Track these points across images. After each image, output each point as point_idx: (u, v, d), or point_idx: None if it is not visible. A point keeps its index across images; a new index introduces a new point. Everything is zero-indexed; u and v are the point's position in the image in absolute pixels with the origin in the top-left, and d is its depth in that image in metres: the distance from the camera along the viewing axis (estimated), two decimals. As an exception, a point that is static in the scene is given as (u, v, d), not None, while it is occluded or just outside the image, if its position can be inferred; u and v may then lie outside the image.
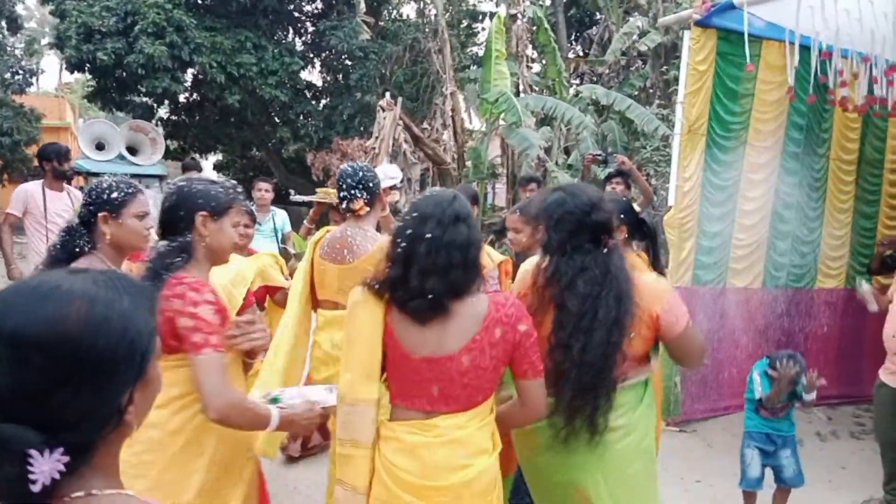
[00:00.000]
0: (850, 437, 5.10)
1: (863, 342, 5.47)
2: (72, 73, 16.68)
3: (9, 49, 18.09)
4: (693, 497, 4.04)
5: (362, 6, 12.30)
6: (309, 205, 5.52)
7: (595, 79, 13.04)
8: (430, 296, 1.80)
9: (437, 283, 1.79)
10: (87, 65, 14.17)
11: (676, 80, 9.78)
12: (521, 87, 10.57)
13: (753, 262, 5.38)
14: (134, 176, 8.17)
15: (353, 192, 2.96)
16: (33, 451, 0.78)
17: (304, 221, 5.08)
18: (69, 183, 5.36)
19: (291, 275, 3.41)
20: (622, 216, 2.68)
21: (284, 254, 4.41)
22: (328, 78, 17.99)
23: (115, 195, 2.20)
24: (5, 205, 5.25)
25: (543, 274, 2.13)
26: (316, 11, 17.21)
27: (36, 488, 0.78)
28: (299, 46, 16.97)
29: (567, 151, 10.27)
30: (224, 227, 2.07)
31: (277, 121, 16.98)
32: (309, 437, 4.24)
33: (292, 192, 7.78)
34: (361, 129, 15.18)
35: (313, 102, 17.28)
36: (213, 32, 14.45)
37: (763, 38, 4.80)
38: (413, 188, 11.35)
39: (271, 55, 15.04)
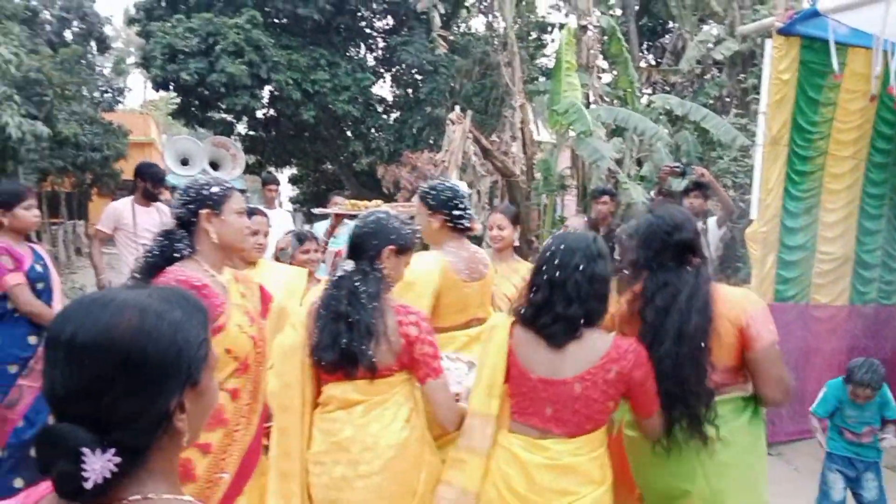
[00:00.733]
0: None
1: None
2: (157, 91, 17.53)
3: (98, 68, 19.19)
4: (776, 521, 3.89)
5: (437, 21, 12.44)
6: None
7: (668, 88, 12.78)
8: (568, 321, 1.97)
9: (577, 309, 1.97)
10: (172, 83, 14.84)
11: (755, 88, 9.55)
12: (591, 98, 10.46)
13: (838, 277, 5.15)
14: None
15: (468, 212, 3.04)
16: (85, 450, 0.83)
17: (322, 234, 4.90)
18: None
19: None
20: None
21: None
22: (398, 92, 18.30)
23: (215, 191, 2.19)
24: (93, 215, 5.56)
25: (633, 290, 2.25)
26: (387, 27, 17.58)
27: (88, 485, 0.83)
28: (371, 62, 17.34)
29: (639, 163, 10.09)
30: (401, 264, 2.33)
31: (349, 135, 17.38)
32: None
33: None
34: (431, 142, 15.36)
35: (384, 116, 17.60)
36: (290, 51, 14.95)
37: (848, 45, 4.62)
38: (482, 201, 11.39)
39: (344, 71, 15.44)
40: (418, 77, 16.78)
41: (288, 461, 2.21)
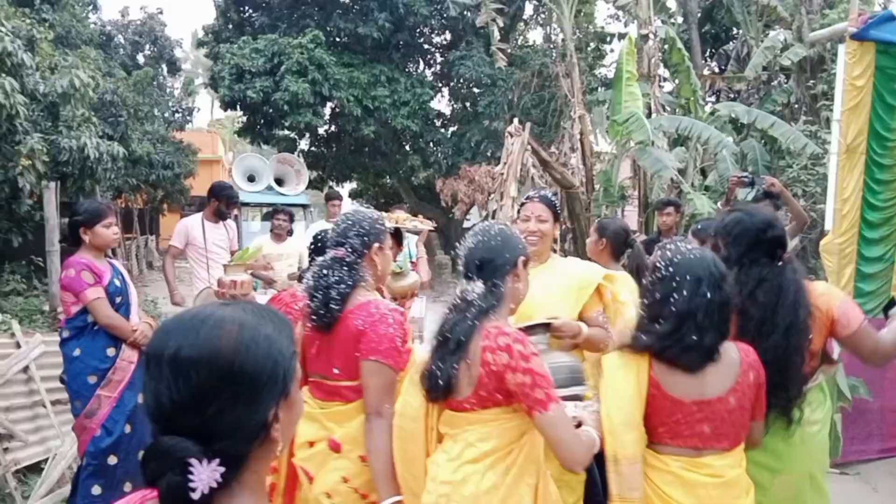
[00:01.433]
0: None
1: None
2: (225, 110, 18.13)
3: (168, 89, 19.99)
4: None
5: (496, 34, 12.49)
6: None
7: (732, 96, 12.46)
8: (707, 349, 1.98)
9: (713, 337, 1.98)
10: (239, 102, 15.33)
11: (825, 94, 9.20)
12: (653, 108, 10.28)
13: (922, 290, 4.89)
14: (282, 205, 8.62)
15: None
16: (193, 460, 0.86)
17: (413, 247, 4.88)
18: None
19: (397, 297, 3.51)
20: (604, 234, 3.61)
21: None
22: (456, 106, 18.43)
23: (383, 225, 2.24)
24: (165, 230, 5.80)
25: None
26: (445, 42, 17.75)
27: (196, 495, 0.86)
28: (429, 77, 17.52)
29: (703, 172, 9.85)
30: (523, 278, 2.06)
31: (408, 149, 17.59)
32: None
33: (420, 217, 7.88)
34: (489, 154, 15.38)
35: (442, 130, 17.75)
36: (351, 68, 15.25)
37: (927, 48, 4.41)
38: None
39: (403, 87, 15.64)
40: (476, 90, 16.85)
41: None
